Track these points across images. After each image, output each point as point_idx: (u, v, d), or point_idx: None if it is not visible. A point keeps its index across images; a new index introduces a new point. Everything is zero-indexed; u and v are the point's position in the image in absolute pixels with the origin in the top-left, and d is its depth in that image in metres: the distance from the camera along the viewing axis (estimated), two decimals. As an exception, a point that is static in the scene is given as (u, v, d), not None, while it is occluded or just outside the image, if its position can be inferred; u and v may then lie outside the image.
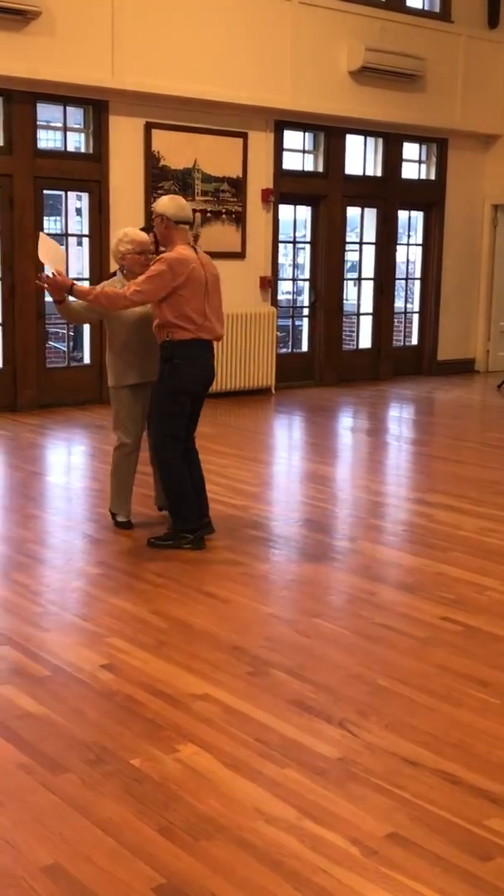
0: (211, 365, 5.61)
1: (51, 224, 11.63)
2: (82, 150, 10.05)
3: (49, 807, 2.97)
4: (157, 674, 3.91)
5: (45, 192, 9.73)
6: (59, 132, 10.11)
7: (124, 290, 5.34)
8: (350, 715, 3.60)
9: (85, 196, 10.13)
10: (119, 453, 5.78)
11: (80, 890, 2.59)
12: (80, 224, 10.83)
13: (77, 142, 10.12)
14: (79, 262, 10.20)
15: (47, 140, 10.47)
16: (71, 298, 5.56)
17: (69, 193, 10.24)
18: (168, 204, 5.47)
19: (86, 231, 10.13)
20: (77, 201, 11.05)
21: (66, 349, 10.68)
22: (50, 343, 10.46)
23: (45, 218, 9.96)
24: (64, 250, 5.71)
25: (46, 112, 9.79)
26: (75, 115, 9.95)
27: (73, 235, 10.67)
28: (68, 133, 9.95)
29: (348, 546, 5.72)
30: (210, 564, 5.28)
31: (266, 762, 3.26)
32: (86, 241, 10.14)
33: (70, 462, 8.21)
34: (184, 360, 5.41)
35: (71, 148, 10.04)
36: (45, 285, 5.48)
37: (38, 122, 9.51)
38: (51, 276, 5.47)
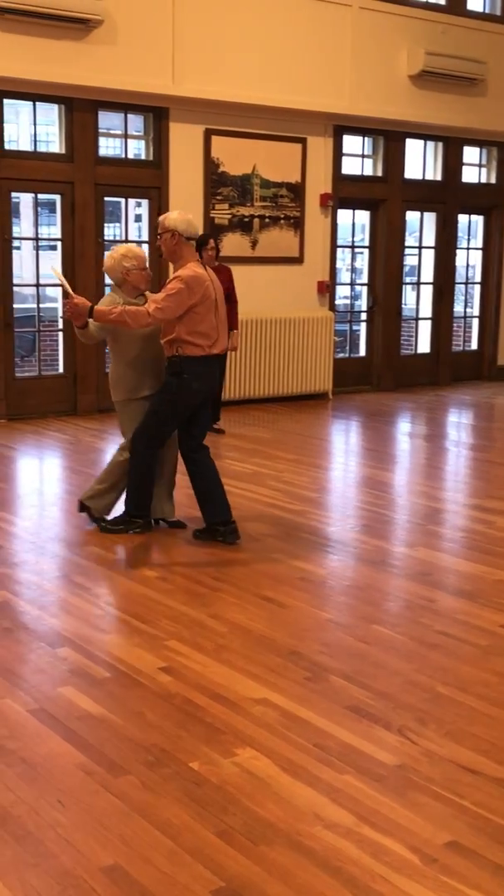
0: (216, 378, 5.85)
1: (111, 231, 11.73)
2: (142, 156, 10.14)
3: (109, 808, 2.99)
4: (215, 677, 3.92)
5: (105, 198, 9.83)
6: (119, 139, 10.21)
7: (146, 308, 5.43)
8: (409, 722, 3.58)
9: (145, 202, 10.22)
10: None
11: (139, 891, 2.61)
12: (139, 230, 10.93)
13: (137, 149, 10.21)
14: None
15: (107, 147, 10.57)
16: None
17: (129, 200, 10.34)
18: (180, 219, 5.58)
19: (145, 237, 10.22)
20: (137, 208, 11.15)
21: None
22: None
23: (106, 224, 10.05)
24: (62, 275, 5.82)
25: (107, 119, 9.89)
26: (135, 123, 10.04)
27: (132, 242, 10.76)
28: (129, 140, 10.04)
29: (406, 552, 5.69)
30: (268, 569, 5.29)
31: (324, 768, 3.25)
32: (146, 247, 10.21)
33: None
34: (193, 376, 5.56)
35: (131, 155, 10.14)
36: (69, 313, 5.51)
37: (99, 130, 9.61)
38: (72, 300, 5.49)
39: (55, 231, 9.98)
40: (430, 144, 12.19)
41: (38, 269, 9.96)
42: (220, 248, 9.05)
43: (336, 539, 5.89)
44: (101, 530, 5.83)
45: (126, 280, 5.72)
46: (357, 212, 11.82)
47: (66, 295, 5.57)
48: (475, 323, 13.26)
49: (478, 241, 13.13)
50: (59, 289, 9.69)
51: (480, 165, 12.79)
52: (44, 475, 7.80)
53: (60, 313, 5.71)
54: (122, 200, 10.37)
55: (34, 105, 9.38)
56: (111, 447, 8.54)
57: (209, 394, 5.73)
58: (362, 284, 12.20)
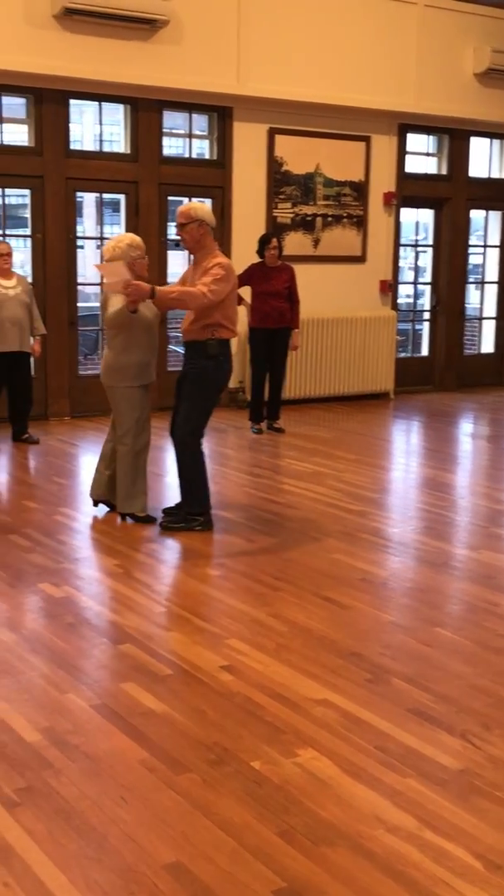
0: None
1: (173, 230, 11.78)
2: (206, 156, 10.17)
3: (171, 805, 3.01)
4: (276, 677, 3.92)
5: (169, 198, 9.87)
6: (183, 139, 10.25)
7: (200, 290, 5.55)
8: (472, 726, 3.54)
9: (208, 202, 10.23)
10: (135, 451, 5.97)
11: (202, 889, 2.62)
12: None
13: (201, 148, 10.24)
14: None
15: (170, 147, 10.63)
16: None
17: (193, 200, 10.38)
18: (206, 210, 5.80)
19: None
20: (200, 207, 11.15)
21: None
22: (170, 346, 10.61)
23: (169, 224, 10.09)
24: (123, 264, 5.80)
25: (170, 119, 9.94)
26: (199, 122, 10.08)
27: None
28: (192, 140, 10.08)
29: (469, 555, 5.64)
30: (328, 569, 5.27)
31: (386, 770, 3.23)
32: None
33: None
34: (227, 358, 5.83)
35: (195, 155, 10.17)
36: (133, 295, 5.53)
37: (163, 129, 9.65)
38: (131, 282, 5.54)
39: (118, 230, 10.05)
40: (496, 143, 12.06)
41: (102, 268, 10.03)
42: (283, 247, 9.04)
43: (397, 540, 5.86)
44: (162, 529, 5.87)
45: (132, 269, 5.79)
46: (420, 210, 11.74)
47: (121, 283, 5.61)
48: (540, 323, 13.08)
49: (543, 240, 12.95)
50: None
51: (547, 163, 12.62)
52: (106, 472, 7.85)
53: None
54: (186, 200, 10.41)
55: (100, 105, 9.46)
56: (170, 444, 8.56)
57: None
58: (425, 283, 12.11)
